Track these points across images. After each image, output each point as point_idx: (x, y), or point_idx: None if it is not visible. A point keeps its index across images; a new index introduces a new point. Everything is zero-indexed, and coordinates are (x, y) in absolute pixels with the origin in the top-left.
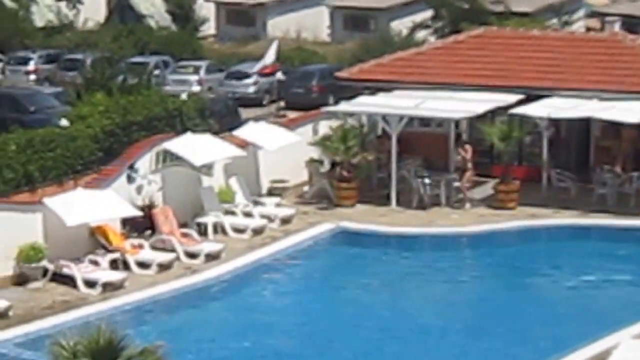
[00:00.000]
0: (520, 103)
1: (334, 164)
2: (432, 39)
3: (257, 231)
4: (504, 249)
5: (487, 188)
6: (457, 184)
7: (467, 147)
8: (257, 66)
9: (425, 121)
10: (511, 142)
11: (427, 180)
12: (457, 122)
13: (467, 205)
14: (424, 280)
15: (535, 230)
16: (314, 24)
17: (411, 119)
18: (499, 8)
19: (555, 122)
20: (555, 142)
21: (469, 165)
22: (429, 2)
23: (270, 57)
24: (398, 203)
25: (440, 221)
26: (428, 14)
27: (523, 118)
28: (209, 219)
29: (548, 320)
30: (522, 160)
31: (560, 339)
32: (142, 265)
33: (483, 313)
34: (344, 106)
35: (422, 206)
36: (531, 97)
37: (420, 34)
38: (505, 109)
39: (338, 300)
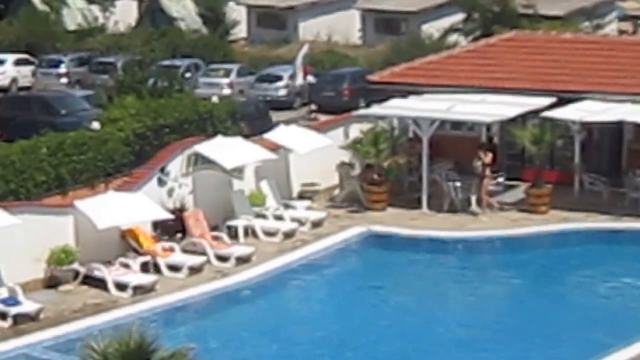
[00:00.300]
0: (552, 106)
1: (368, 167)
2: (463, 42)
3: (288, 234)
4: (536, 253)
5: (519, 192)
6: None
7: (487, 152)
8: (295, 68)
9: (456, 124)
10: (543, 146)
11: (458, 184)
12: (488, 126)
13: (487, 210)
14: (455, 283)
15: (567, 234)
16: (345, 27)
17: (442, 123)
18: (531, 11)
19: (587, 126)
20: (587, 146)
21: (487, 171)
22: (460, 5)
23: (298, 61)
24: (429, 206)
25: (471, 225)
26: (459, 17)
27: (555, 121)
28: (239, 222)
29: (581, 325)
30: (554, 164)
31: (593, 343)
32: (173, 268)
33: (515, 317)
34: (375, 109)
35: (453, 210)
36: (563, 100)
37: (452, 37)
38: (537, 112)
39: (368, 304)
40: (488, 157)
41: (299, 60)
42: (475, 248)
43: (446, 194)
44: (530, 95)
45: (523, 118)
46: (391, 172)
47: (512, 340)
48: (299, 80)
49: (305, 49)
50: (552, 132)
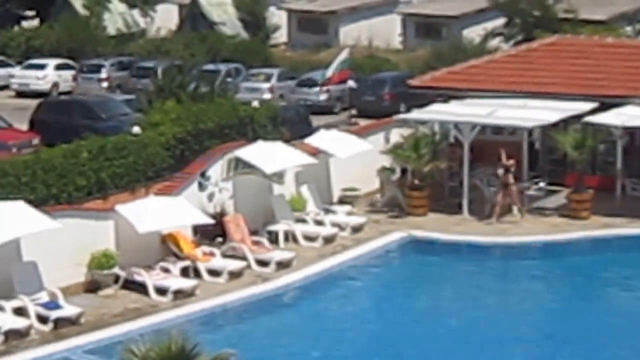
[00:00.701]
0: (594, 111)
1: (404, 171)
2: (504, 46)
3: (328, 239)
4: (577, 259)
5: (560, 197)
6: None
7: (511, 160)
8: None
9: (497, 129)
10: (585, 151)
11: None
12: (530, 131)
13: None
14: (496, 289)
15: (608, 240)
16: (385, 32)
17: (483, 127)
18: (572, 16)
19: (629, 131)
20: (629, 151)
21: (510, 178)
22: (501, 10)
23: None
24: (470, 212)
25: (512, 230)
26: (501, 21)
27: (597, 126)
28: (280, 227)
29: (623, 331)
30: (596, 169)
31: (636, 350)
32: (213, 273)
33: (556, 323)
34: (415, 114)
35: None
36: (605, 105)
37: (493, 42)
38: (578, 117)
39: (408, 310)
40: (510, 161)
41: (334, 64)
42: (516, 254)
43: (487, 199)
44: (572, 100)
45: (565, 123)
46: (427, 176)
47: (554, 347)
48: (327, 77)
49: (345, 54)
50: (594, 137)
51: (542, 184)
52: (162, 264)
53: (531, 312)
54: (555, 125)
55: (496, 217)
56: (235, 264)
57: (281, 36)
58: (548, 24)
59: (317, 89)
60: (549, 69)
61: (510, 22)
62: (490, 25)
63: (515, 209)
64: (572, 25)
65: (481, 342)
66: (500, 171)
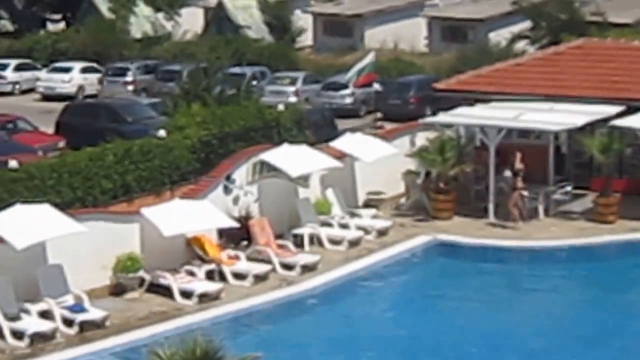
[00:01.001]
0: (620, 115)
1: (427, 174)
2: (530, 49)
3: (354, 243)
4: (603, 263)
5: (587, 201)
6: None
7: (521, 165)
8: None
9: (523, 133)
10: (611, 155)
11: (525, 193)
12: (556, 134)
13: (519, 223)
14: (521, 293)
15: (635, 244)
16: (411, 35)
17: (510, 131)
18: (599, 19)
19: None
20: None
21: (519, 182)
22: (527, 13)
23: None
24: (496, 215)
25: (538, 234)
26: (526, 24)
27: (623, 130)
28: (305, 231)
29: None
30: (623, 172)
31: None
32: (238, 276)
33: (583, 327)
34: (441, 117)
35: (520, 219)
36: (632, 108)
37: (519, 45)
38: (605, 120)
39: (434, 314)
40: (520, 165)
41: (358, 66)
42: (542, 258)
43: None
44: (599, 104)
45: (591, 126)
46: (451, 181)
47: (580, 351)
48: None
49: (370, 57)
50: (620, 140)
51: (568, 188)
52: (187, 267)
53: (555, 316)
54: (581, 128)
55: (517, 219)
56: (260, 268)
57: (306, 39)
58: (574, 27)
59: (342, 92)
60: (575, 72)
61: (536, 26)
62: (517, 28)
63: (541, 211)
64: (598, 29)
65: (506, 345)
66: (509, 174)
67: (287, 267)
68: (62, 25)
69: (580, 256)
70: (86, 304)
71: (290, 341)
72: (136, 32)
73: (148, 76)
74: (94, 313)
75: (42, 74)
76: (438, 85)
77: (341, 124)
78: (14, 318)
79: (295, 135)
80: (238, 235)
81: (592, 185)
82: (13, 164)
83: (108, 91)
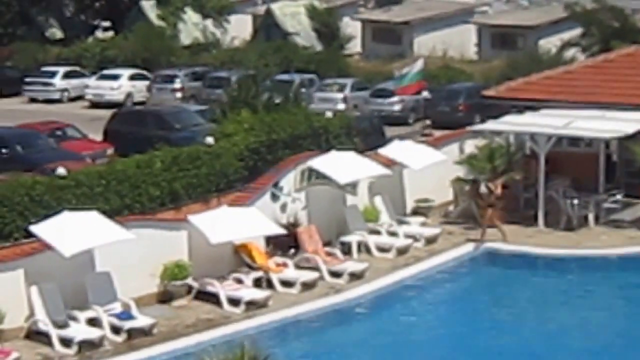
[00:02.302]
0: None
1: (474, 182)
2: (581, 57)
3: (402, 251)
4: None
5: (637, 209)
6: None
7: (497, 182)
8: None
9: (574, 141)
10: None
11: (575, 201)
12: (607, 142)
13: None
14: (571, 302)
15: None
16: (460, 42)
17: (559, 139)
18: None
19: None
20: None
21: (495, 201)
22: (578, 20)
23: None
24: (546, 224)
25: (588, 243)
26: (577, 32)
27: None
28: (353, 238)
29: None
30: None
31: None
32: (286, 284)
33: (633, 337)
34: (490, 125)
35: (570, 227)
36: None
37: (569, 52)
38: None
39: (482, 322)
40: (498, 188)
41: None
42: (591, 266)
43: (563, 211)
44: None
45: None
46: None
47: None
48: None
49: (419, 65)
50: None
51: (618, 196)
52: (234, 274)
53: (606, 326)
54: (632, 136)
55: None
56: (308, 275)
57: (355, 46)
58: (626, 34)
59: (391, 99)
60: (626, 80)
61: (587, 33)
62: (567, 35)
63: (591, 220)
64: None
65: (555, 355)
66: (485, 190)
67: (335, 274)
68: (110, 32)
69: (631, 265)
70: (134, 311)
71: (337, 349)
72: (185, 39)
73: (196, 83)
74: (141, 320)
75: (91, 81)
76: (487, 93)
77: (390, 131)
78: (62, 325)
79: (344, 142)
80: (286, 243)
81: None
82: (61, 171)
83: (156, 98)
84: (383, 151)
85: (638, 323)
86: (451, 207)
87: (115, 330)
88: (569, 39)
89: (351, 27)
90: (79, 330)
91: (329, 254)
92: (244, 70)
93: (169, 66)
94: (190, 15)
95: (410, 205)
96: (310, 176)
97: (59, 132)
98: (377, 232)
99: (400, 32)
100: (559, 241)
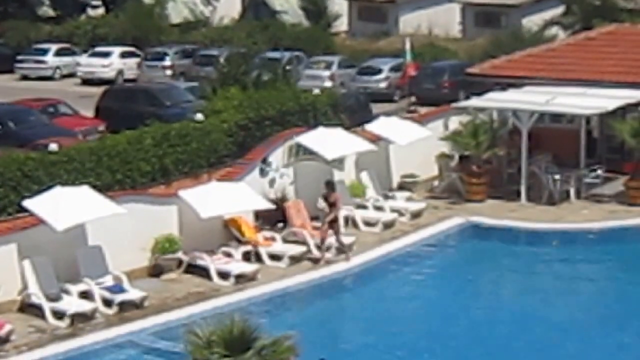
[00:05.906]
0: None
1: (462, 158)
2: (563, 35)
3: (388, 225)
4: (634, 246)
5: (618, 184)
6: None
7: (336, 194)
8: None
9: (556, 117)
10: None
11: (557, 176)
12: (588, 118)
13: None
14: (552, 275)
15: None
16: (445, 21)
17: (542, 115)
18: (631, 5)
19: None
20: None
21: (332, 215)
22: None
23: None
24: (528, 199)
25: (570, 217)
26: (559, 10)
27: None
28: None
29: None
30: None
31: None
32: (274, 257)
33: (613, 309)
34: (474, 101)
35: (552, 202)
36: None
37: (552, 31)
38: (636, 105)
39: (466, 295)
40: (333, 196)
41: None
42: (572, 240)
43: (545, 186)
44: (630, 88)
45: (623, 111)
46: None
47: (610, 330)
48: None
49: (407, 45)
50: None
51: (599, 172)
52: (224, 248)
53: (586, 298)
54: (613, 113)
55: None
56: (295, 249)
57: (342, 25)
58: (607, 13)
59: (377, 76)
60: (607, 57)
61: (569, 11)
62: (549, 14)
63: (572, 195)
64: (630, 15)
65: (536, 326)
66: (323, 204)
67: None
68: (101, 10)
69: (611, 239)
70: (125, 284)
71: (324, 322)
72: (175, 18)
73: (186, 61)
74: (132, 293)
75: (82, 58)
76: (471, 70)
77: (376, 108)
78: (55, 298)
79: (331, 118)
80: (274, 217)
81: (623, 169)
82: (53, 147)
83: (147, 76)
84: (369, 127)
85: (618, 294)
86: (436, 182)
87: (107, 303)
88: (551, 18)
89: (338, 5)
90: (72, 303)
91: (316, 229)
92: (233, 48)
93: (159, 44)
94: None
95: (396, 180)
96: (298, 152)
97: (51, 109)
98: (364, 207)
99: (386, 11)
100: (540, 216)
